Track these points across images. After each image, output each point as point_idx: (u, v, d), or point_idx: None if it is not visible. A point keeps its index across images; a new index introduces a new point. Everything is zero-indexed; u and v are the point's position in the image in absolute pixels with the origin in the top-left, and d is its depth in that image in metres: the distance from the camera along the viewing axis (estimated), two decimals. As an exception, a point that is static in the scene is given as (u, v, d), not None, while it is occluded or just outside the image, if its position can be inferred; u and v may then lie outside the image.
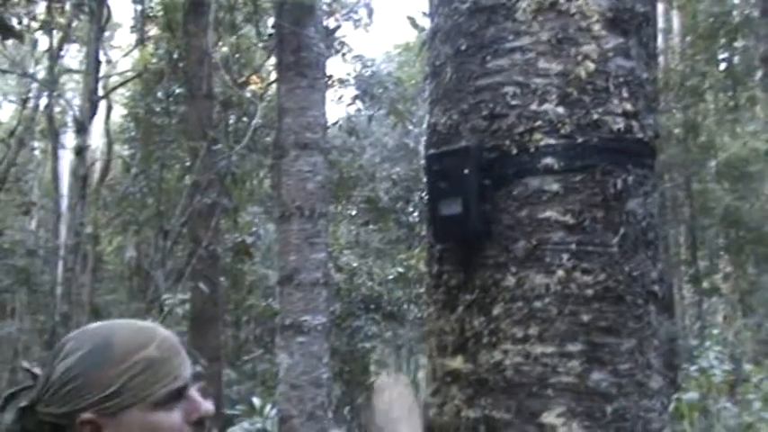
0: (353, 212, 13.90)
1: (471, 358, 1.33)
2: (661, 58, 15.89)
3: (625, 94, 1.35)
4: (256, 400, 8.33)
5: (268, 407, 7.66)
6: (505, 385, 1.29)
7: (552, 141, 1.31)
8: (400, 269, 9.72)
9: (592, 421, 1.26)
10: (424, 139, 1.58)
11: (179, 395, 1.12)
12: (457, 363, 1.35)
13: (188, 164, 8.88)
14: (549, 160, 1.31)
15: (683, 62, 15.14)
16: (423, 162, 1.43)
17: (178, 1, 7.70)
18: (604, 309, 1.30)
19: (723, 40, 15.10)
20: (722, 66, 15.75)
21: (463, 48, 1.39)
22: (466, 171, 1.32)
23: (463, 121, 1.38)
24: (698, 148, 14.58)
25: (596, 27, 1.35)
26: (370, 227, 13.23)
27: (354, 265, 9.85)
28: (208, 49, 5.98)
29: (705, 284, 15.45)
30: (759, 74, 13.12)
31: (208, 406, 1.18)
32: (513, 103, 1.34)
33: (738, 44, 15.51)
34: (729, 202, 14.32)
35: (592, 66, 1.34)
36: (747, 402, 6.75)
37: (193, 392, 1.16)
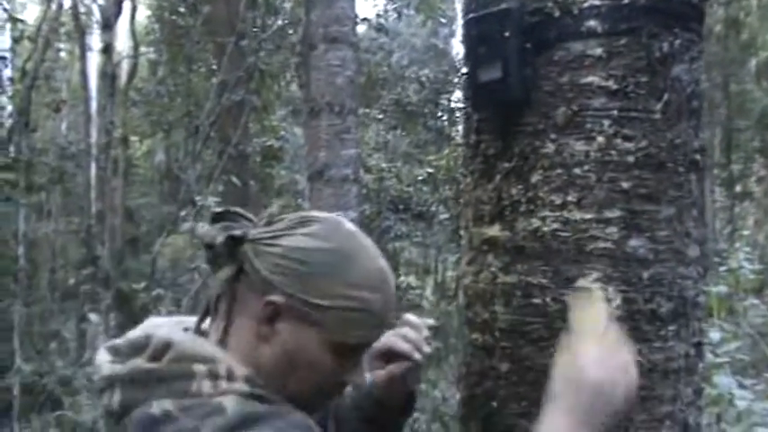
0: (381, 116, 13.80)
1: (508, 226, 1.33)
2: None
3: (674, -47, 1.29)
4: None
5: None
6: (542, 251, 1.29)
7: (597, 2, 1.27)
8: (429, 170, 9.70)
9: (628, 286, 1.27)
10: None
11: (356, 353, 1.08)
12: (494, 230, 1.35)
13: (214, 66, 8.82)
14: (592, 22, 1.27)
15: None
16: (461, 28, 1.39)
17: None
18: (644, 176, 1.28)
19: None
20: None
21: None
22: (506, 34, 1.28)
23: (504, -16, 1.33)
24: (738, 46, 14.13)
25: None
26: (398, 131, 13.15)
27: (383, 166, 9.85)
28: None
29: (738, 188, 15.28)
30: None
31: (363, 378, 1.15)
32: (557, -38, 1.28)
33: None
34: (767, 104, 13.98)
35: None
36: (775, 302, 6.75)
37: (363, 360, 1.11)
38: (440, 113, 12.86)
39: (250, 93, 6.50)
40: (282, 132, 12.11)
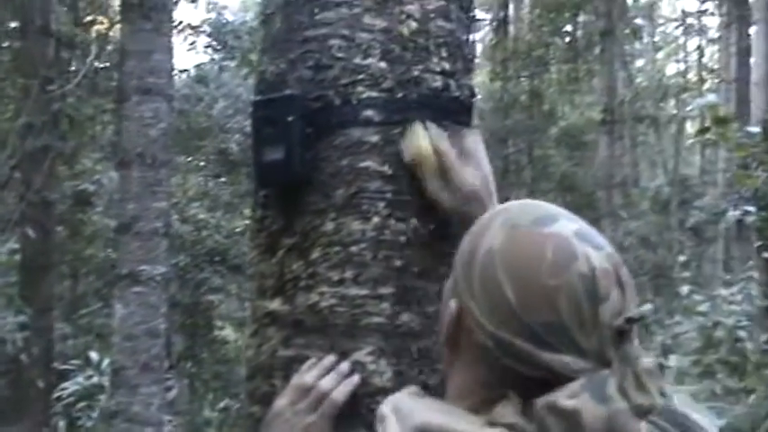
0: (203, 164, 13.58)
1: (289, 300, 1.38)
2: (511, 28, 16.49)
3: (444, 54, 1.43)
4: (93, 355, 8.10)
5: (105, 361, 7.47)
6: (320, 326, 1.35)
7: (374, 95, 1.37)
8: (247, 221, 9.65)
9: (399, 359, 1.35)
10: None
11: None
12: (275, 305, 1.40)
13: (21, 104, 8.33)
14: (369, 112, 1.37)
15: (530, 32, 15.78)
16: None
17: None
18: (415, 254, 1.38)
19: (567, 15, 15.87)
20: (566, 39, 16.55)
21: (293, -2, 1.42)
22: (290, 119, 1.35)
23: (290, 71, 1.41)
24: (541, 115, 15.32)
25: (420, -13, 1.41)
26: (221, 179, 13.00)
27: (201, 217, 9.68)
28: (41, -19, 5.62)
29: (541, 245, 16.35)
30: (598, 48, 13.94)
31: None
32: (339, 55, 1.38)
33: (581, 19, 16.37)
34: (566, 169, 15.21)
35: (414, 24, 1.40)
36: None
37: None
38: (262, 165, 12.82)
39: (57, 138, 6.21)
40: (97, 176, 11.59)
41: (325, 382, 1.30)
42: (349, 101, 1.37)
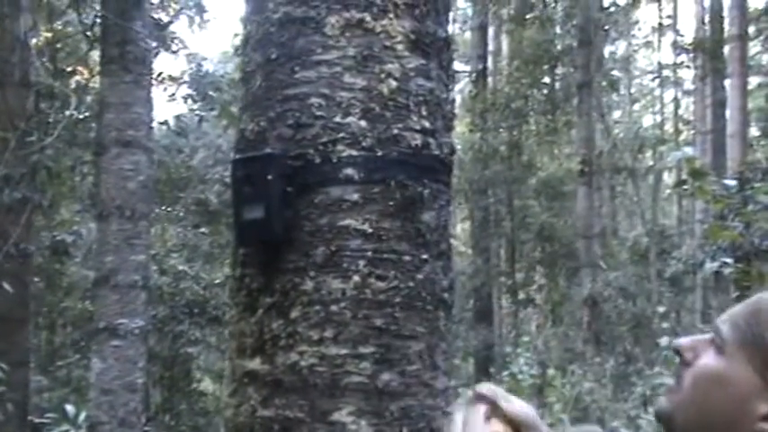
0: (182, 214, 13.51)
1: (269, 360, 1.36)
2: (490, 80, 16.75)
3: (424, 113, 1.44)
4: (70, 408, 7.92)
5: (82, 415, 7.31)
6: (300, 385, 1.33)
7: (354, 153, 1.38)
8: (227, 272, 9.57)
9: (379, 419, 1.33)
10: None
11: None
12: (254, 364, 1.38)
13: None
14: (350, 171, 1.37)
15: (509, 84, 16.03)
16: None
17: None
18: (396, 314, 1.37)
19: (546, 67, 16.16)
20: (544, 90, 16.82)
21: (273, 57, 1.43)
22: (269, 177, 1.35)
23: (270, 129, 1.42)
24: (520, 166, 15.47)
25: (399, 47, 1.43)
26: (200, 230, 12.93)
27: (180, 268, 9.59)
28: (20, 34, 5.63)
29: (521, 295, 16.38)
30: (575, 100, 14.16)
31: None
32: (319, 114, 1.39)
33: (559, 71, 16.68)
34: (545, 219, 15.29)
35: (394, 83, 1.42)
36: (550, 405, 7.25)
37: None
38: (243, 215, 12.78)
39: (34, 191, 6.18)
40: (75, 227, 11.50)
41: None
42: (329, 159, 1.37)
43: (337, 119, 1.38)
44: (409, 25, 1.44)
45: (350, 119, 1.39)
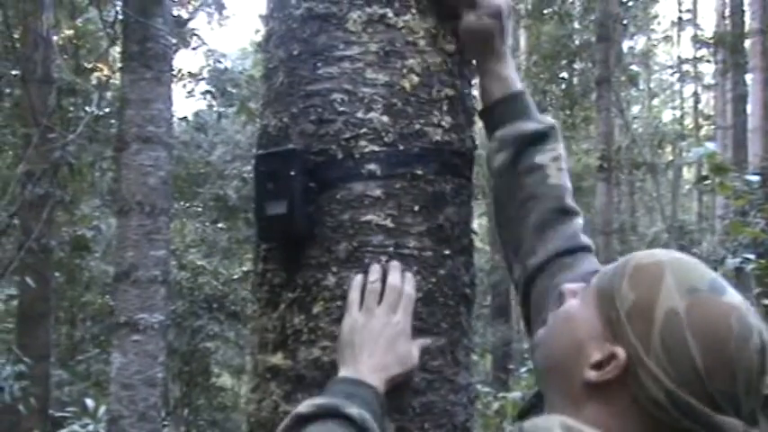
0: (201, 210, 13.59)
1: (291, 355, 1.37)
2: (508, 75, 16.64)
3: (446, 108, 1.44)
4: (89, 402, 8.01)
5: (102, 409, 7.39)
6: (322, 381, 1.33)
7: (376, 149, 1.38)
8: (245, 268, 9.64)
9: (402, 414, 1.33)
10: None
11: None
12: (277, 359, 1.38)
13: (21, 151, 8.37)
14: (372, 166, 1.37)
15: (527, 79, 15.95)
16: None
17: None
18: (418, 309, 1.37)
19: (564, 62, 16.07)
20: (562, 86, 16.72)
21: (296, 53, 1.43)
22: (292, 173, 1.35)
23: (293, 125, 1.42)
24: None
25: (422, 42, 1.42)
26: (219, 225, 13.01)
27: (199, 263, 9.66)
28: (43, 31, 5.68)
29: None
30: (594, 95, 14.08)
31: None
32: (341, 109, 1.39)
33: (577, 66, 16.58)
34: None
35: (416, 79, 1.41)
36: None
37: None
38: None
39: (56, 187, 6.23)
40: (95, 222, 11.61)
41: (394, 280, 1.31)
42: (351, 155, 1.37)
43: (359, 114, 1.38)
44: (432, 20, 1.43)
45: (372, 114, 1.38)
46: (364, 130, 1.38)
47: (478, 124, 1.55)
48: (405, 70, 1.41)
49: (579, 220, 1.44)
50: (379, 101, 1.39)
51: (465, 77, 1.50)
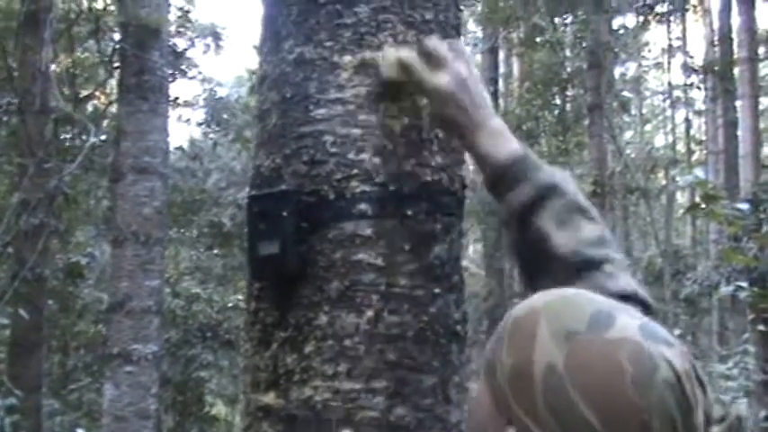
0: (196, 236, 13.58)
1: (283, 394, 1.38)
2: (501, 101, 16.82)
3: (435, 148, 1.46)
4: (81, 432, 7.95)
5: (94, 439, 7.34)
6: (314, 420, 1.34)
7: (367, 189, 1.40)
8: (240, 296, 9.62)
9: (393, 453, 1.34)
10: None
11: None
12: (269, 398, 1.39)
13: (17, 180, 8.38)
14: (363, 206, 1.40)
15: (520, 106, 16.06)
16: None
17: (12, 10, 7.32)
18: (409, 347, 1.38)
19: (556, 89, 16.19)
20: (555, 112, 16.84)
21: (288, 96, 1.46)
22: (284, 213, 1.37)
23: (285, 165, 1.44)
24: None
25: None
26: (214, 251, 13.00)
27: (193, 291, 9.64)
28: (41, 65, 5.74)
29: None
30: (586, 121, 14.18)
31: None
32: (333, 150, 1.41)
33: (569, 93, 16.71)
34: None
35: (406, 120, 1.44)
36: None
37: None
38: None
39: (51, 216, 6.24)
40: (89, 249, 11.59)
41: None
42: (343, 195, 1.40)
43: (351, 155, 1.41)
44: (421, 63, 1.46)
45: (363, 155, 1.41)
46: (355, 170, 1.40)
47: (467, 161, 1.57)
48: (395, 112, 1.43)
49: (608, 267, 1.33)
50: (370, 142, 1.41)
51: (454, 118, 1.53)
